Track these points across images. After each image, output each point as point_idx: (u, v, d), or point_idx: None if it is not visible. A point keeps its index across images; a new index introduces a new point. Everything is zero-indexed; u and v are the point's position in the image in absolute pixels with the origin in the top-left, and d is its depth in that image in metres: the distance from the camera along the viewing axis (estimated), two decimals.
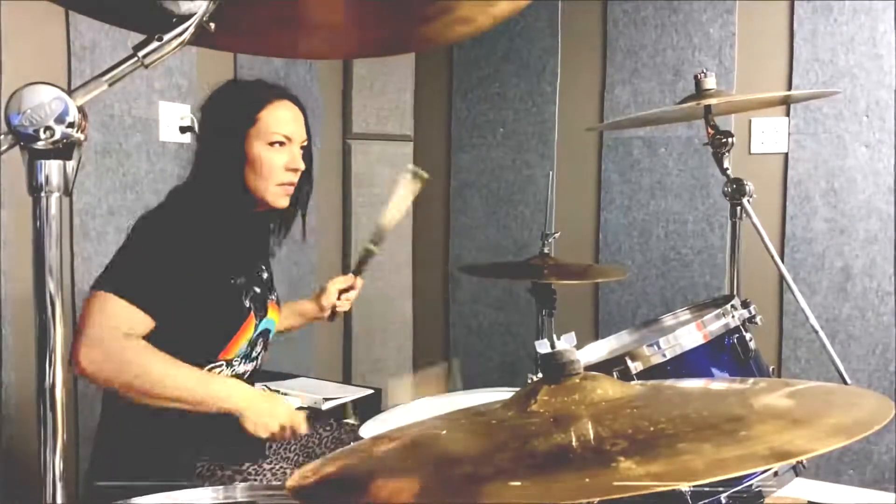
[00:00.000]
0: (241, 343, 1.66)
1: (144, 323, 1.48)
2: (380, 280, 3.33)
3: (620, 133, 3.08)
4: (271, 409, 1.55)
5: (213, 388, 1.54)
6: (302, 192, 1.76)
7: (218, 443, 1.61)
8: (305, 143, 1.71)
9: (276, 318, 1.79)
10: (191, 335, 1.56)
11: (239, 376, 1.69)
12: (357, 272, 2.00)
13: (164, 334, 1.50)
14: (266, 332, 1.75)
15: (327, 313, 2.02)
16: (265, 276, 1.79)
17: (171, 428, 1.58)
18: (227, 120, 1.65)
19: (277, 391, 2.46)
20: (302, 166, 1.68)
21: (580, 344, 0.93)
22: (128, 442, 1.61)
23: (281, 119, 1.65)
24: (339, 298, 2.00)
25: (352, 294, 2.00)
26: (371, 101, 3.36)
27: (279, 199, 1.67)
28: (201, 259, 1.57)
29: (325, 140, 3.23)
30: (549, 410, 0.79)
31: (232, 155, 1.62)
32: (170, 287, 1.51)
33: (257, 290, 1.72)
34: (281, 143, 1.64)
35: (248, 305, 1.67)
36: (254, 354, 1.72)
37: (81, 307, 1.50)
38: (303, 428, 1.59)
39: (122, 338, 1.44)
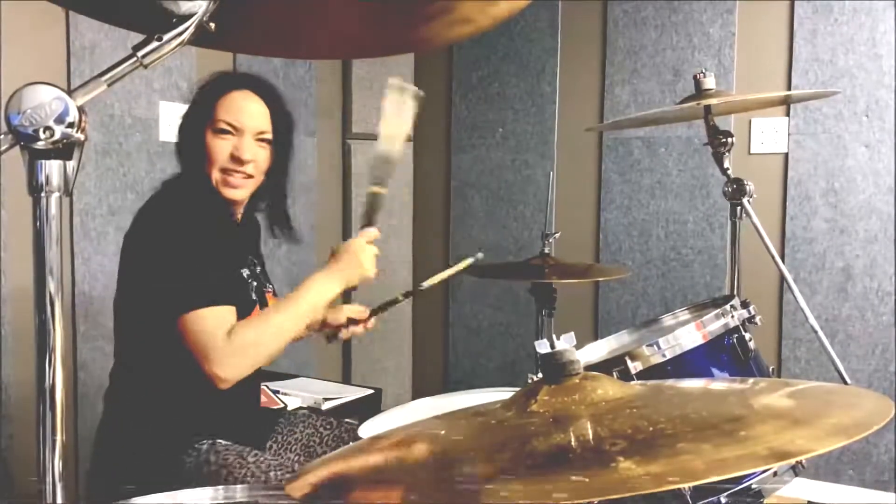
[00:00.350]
0: None
1: (232, 313, 1.53)
2: (380, 279, 3.33)
3: (620, 133, 3.08)
4: (356, 262, 1.67)
5: (310, 300, 1.60)
6: (269, 187, 1.73)
7: (220, 437, 1.61)
8: (268, 136, 1.67)
9: None
10: None
11: None
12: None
13: (162, 333, 1.51)
14: None
15: (327, 329, 1.94)
16: (259, 268, 1.80)
17: (172, 426, 1.59)
18: (189, 112, 1.68)
19: (276, 391, 2.46)
20: (246, 156, 1.62)
21: (580, 344, 0.93)
22: (128, 441, 1.61)
23: (232, 108, 1.63)
24: (346, 325, 1.92)
25: (358, 329, 1.91)
26: (371, 101, 3.36)
27: (221, 187, 1.64)
28: (218, 251, 1.58)
29: (325, 140, 3.23)
30: (548, 410, 0.79)
31: (195, 147, 1.64)
32: (219, 273, 1.56)
33: (256, 282, 1.73)
34: (227, 132, 1.63)
35: (254, 298, 1.68)
36: None
37: (182, 335, 1.50)
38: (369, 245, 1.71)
39: (227, 338, 1.49)
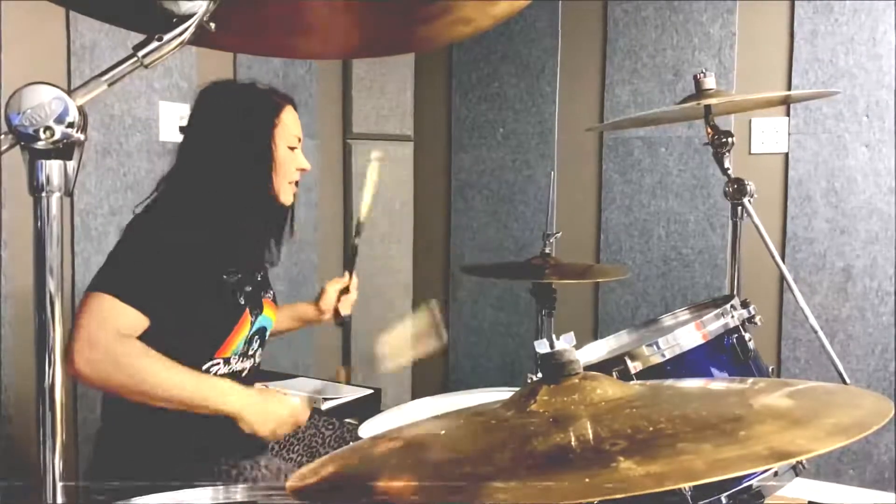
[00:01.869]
0: (237, 341, 1.66)
1: (139, 322, 1.49)
2: (380, 280, 3.33)
3: (621, 133, 3.08)
4: (268, 409, 1.57)
5: (209, 390, 1.54)
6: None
7: (220, 440, 1.60)
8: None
9: (272, 316, 1.79)
10: (186, 333, 1.56)
11: (237, 373, 1.69)
12: (349, 269, 2.02)
13: (160, 332, 1.50)
14: (263, 329, 1.75)
15: (326, 316, 2.01)
16: (260, 273, 1.79)
17: (173, 427, 1.58)
18: (254, 121, 1.69)
19: (282, 391, 2.46)
20: (308, 166, 1.77)
21: (579, 344, 0.93)
22: (128, 442, 1.61)
23: (294, 122, 1.74)
24: (338, 300, 2.00)
25: (351, 296, 2.00)
26: (371, 101, 3.36)
27: (290, 195, 1.75)
28: (195, 257, 1.56)
29: (325, 140, 3.23)
30: (548, 410, 0.79)
31: (262, 155, 1.68)
32: (164, 285, 1.52)
33: (251, 287, 1.72)
34: (294, 146, 1.73)
35: (242, 303, 1.67)
36: (251, 352, 1.73)
37: (77, 308, 1.49)
38: (304, 418, 1.63)
39: (117, 339, 1.45)
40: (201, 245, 1.57)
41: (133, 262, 1.54)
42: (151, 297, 1.50)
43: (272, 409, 1.57)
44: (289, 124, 1.72)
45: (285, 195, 1.73)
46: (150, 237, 1.57)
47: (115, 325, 1.45)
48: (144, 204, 1.67)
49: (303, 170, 1.76)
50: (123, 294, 1.46)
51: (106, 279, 1.50)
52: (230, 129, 1.68)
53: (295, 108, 1.77)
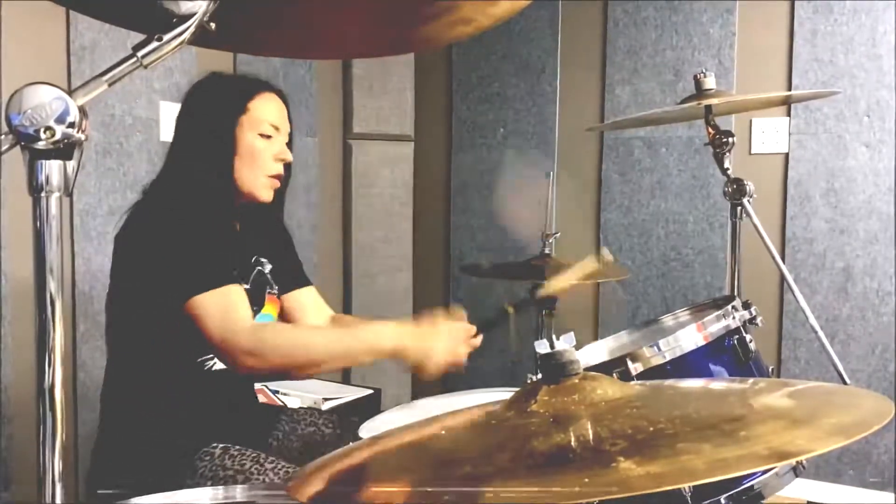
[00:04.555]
0: None
1: (239, 293, 1.50)
2: (380, 280, 3.33)
3: (621, 133, 3.08)
4: (427, 343, 1.54)
5: (362, 338, 1.55)
6: (284, 186, 1.74)
7: (221, 438, 1.60)
8: (289, 136, 1.71)
9: (273, 313, 1.76)
10: (180, 330, 1.54)
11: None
12: (485, 329, 1.85)
13: (155, 329, 1.50)
14: None
15: None
16: (265, 269, 1.77)
17: (173, 426, 1.58)
18: (215, 109, 1.64)
19: (276, 391, 2.46)
20: (290, 157, 1.67)
21: (580, 344, 0.93)
22: (128, 441, 1.60)
23: (269, 109, 1.65)
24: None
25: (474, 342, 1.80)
26: (371, 101, 3.36)
27: (265, 191, 1.66)
28: (181, 257, 1.53)
29: (325, 140, 3.23)
30: (548, 410, 0.79)
31: (221, 143, 1.61)
32: (215, 256, 1.52)
33: (250, 285, 1.70)
34: (269, 135, 1.64)
35: None
36: None
37: (194, 320, 1.46)
38: (464, 346, 1.61)
39: (247, 324, 1.47)
40: (191, 241, 1.55)
41: (177, 258, 1.51)
42: (217, 268, 1.49)
43: (431, 342, 1.55)
44: (260, 111, 1.63)
45: (261, 190, 1.65)
46: (143, 232, 1.56)
47: (229, 311, 1.46)
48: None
49: (283, 160, 1.66)
50: (202, 285, 1.46)
51: (177, 288, 1.47)
52: (196, 119, 1.65)
53: (280, 96, 1.69)
